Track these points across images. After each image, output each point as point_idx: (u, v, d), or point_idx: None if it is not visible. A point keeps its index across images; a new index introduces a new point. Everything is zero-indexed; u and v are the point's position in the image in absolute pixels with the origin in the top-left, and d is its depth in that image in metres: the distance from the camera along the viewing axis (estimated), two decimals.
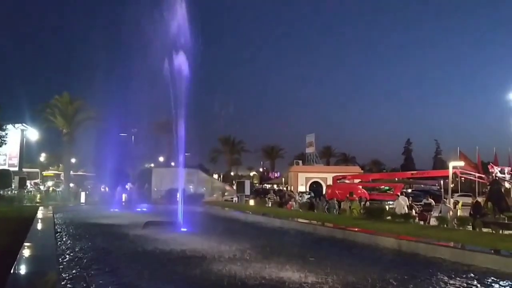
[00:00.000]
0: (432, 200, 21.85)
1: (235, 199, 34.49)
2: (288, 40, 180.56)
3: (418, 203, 22.36)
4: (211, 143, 76.10)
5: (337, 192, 29.27)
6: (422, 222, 18.41)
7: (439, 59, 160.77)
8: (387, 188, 33.53)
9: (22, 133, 44.58)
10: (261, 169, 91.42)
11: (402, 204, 19.58)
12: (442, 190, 35.43)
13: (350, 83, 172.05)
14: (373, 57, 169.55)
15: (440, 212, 17.80)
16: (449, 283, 7.64)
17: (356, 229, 13.44)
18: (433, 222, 18.17)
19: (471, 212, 17.58)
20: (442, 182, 39.13)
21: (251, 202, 30.41)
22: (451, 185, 27.92)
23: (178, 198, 16.83)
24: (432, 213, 19.89)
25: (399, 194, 24.03)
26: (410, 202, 21.33)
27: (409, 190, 39.19)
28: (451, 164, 26.21)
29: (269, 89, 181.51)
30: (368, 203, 23.91)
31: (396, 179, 42.05)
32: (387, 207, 21.10)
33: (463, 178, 31.92)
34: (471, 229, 15.67)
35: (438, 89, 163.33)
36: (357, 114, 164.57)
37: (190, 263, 9.61)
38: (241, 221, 19.13)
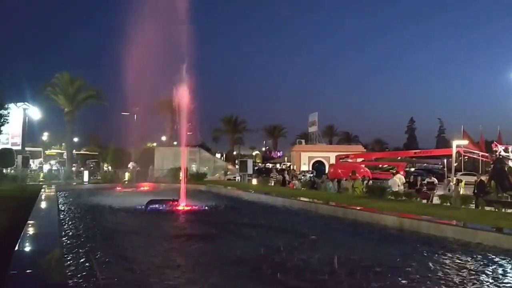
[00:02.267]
0: (435, 179, 21.83)
1: (238, 178, 34.57)
2: (291, 18, 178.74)
3: (423, 182, 22.33)
4: (214, 122, 76.20)
5: (339, 171, 29.28)
6: (425, 201, 18.44)
7: (443, 36, 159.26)
8: (390, 167, 33.54)
9: (24, 112, 44.45)
10: (263, 149, 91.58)
11: (396, 182, 19.62)
12: (445, 169, 35.40)
13: (352, 61, 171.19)
14: (375, 34, 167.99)
15: (449, 190, 17.77)
16: (450, 260, 7.66)
17: (358, 208, 13.45)
18: (436, 201, 18.19)
19: (475, 190, 17.58)
20: (445, 161, 39.08)
21: (254, 181, 30.47)
22: (455, 164, 27.89)
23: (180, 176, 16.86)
24: (435, 191, 19.90)
25: (401, 172, 24.06)
26: (411, 180, 21.40)
27: (412, 169, 39.22)
28: (455, 143, 26.15)
29: (272, 68, 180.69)
30: (370, 182, 23.89)
31: (399, 158, 42.01)
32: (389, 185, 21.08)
33: (466, 157, 31.86)
34: (474, 207, 15.71)
35: (442, 68, 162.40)
36: (360, 92, 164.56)
37: (190, 240, 9.69)
38: (243, 199, 19.19)
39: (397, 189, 18.11)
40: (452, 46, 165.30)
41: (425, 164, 49.88)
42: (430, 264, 7.37)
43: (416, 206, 14.81)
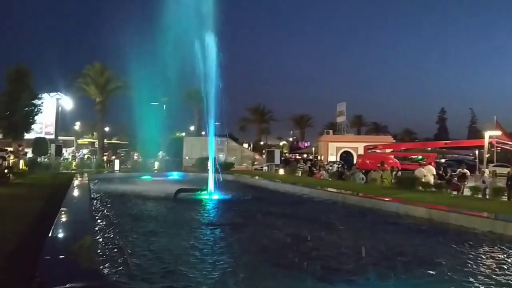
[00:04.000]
0: (467, 170, 21.36)
1: (265, 168, 34.63)
2: (318, 8, 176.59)
3: (454, 173, 21.87)
4: (241, 112, 76.34)
5: (368, 161, 28.94)
6: (455, 192, 18.10)
7: (475, 25, 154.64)
8: (420, 157, 32.95)
9: (57, 102, 45.59)
10: (290, 139, 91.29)
11: (423, 172, 19.30)
12: (477, 160, 34.56)
13: (382, 50, 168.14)
14: (406, 24, 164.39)
15: (483, 182, 17.37)
16: (479, 252, 7.54)
17: (386, 199, 13.33)
18: (466, 192, 17.83)
19: (508, 182, 17.13)
20: (477, 152, 38.13)
21: (281, 171, 30.48)
22: (487, 155, 27.19)
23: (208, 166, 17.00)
24: (466, 183, 19.48)
25: (432, 163, 23.61)
26: (440, 172, 21.01)
27: (443, 160, 38.43)
28: (487, 134, 25.45)
29: (300, 58, 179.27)
30: (400, 173, 23.55)
31: (429, 148, 41.20)
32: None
33: (499, 148, 30.96)
34: (506, 199, 15.35)
35: (474, 56, 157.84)
36: (390, 82, 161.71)
37: (217, 228, 9.81)
38: (270, 189, 19.26)
39: (423, 180, 17.84)
40: (484, 35, 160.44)
41: (456, 155, 48.78)
42: (458, 256, 7.28)
43: (446, 198, 14.58)
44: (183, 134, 56.35)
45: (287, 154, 63.54)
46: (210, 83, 16.44)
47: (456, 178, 20.34)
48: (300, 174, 30.15)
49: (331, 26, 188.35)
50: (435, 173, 20.51)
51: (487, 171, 19.29)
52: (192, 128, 58.10)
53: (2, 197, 13.31)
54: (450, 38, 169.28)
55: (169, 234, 9.00)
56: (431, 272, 6.31)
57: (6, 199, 12.88)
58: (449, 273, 6.24)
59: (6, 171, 19.46)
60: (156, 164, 32.57)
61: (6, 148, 25.02)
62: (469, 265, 6.74)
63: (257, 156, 43.69)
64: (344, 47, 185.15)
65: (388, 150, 35.80)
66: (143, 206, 13.34)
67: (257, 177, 24.08)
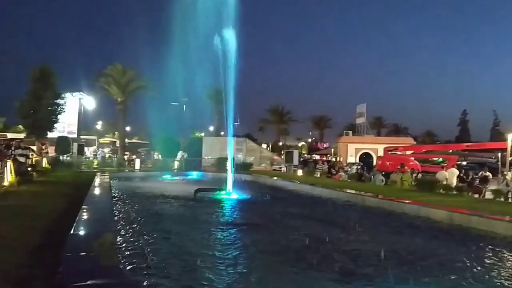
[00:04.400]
0: (489, 173, 20.98)
1: (283, 169, 34.60)
2: (339, 8, 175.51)
3: (476, 176, 21.52)
4: (260, 113, 76.47)
5: (387, 163, 28.65)
6: (476, 196, 17.82)
7: (496, 23, 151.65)
8: (441, 160, 32.48)
9: (80, 102, 46.40)
10: (309, 140, 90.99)
11: (444, 175, 19.05)
12: (500, 163, 33.90)
13: (402, 51, 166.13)
14: (425, 22, 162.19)
15: (507, 185, 17.05)
16: (502, 257, 7.42)
17: (407, 201, 13.19)
18: (489, 195, 17.53)
19: None
20: (499, 154, 37.40)
21: (299, 172, 30.41)
22: (510, 158, 26.68)
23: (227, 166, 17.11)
24: (487, 186, 19.16)
25: (454, 166, 23.29)
26: (461, 174, 20.69)
27: (464, 163, 37.76)
28: (510, 136, 24.99)
29: (319, 59, 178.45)
30: (420, 175, 23.26)
31: (451, 151, 40.57)
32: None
33: None
34: None
35: (497, 56, 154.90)
36: (410, 83, 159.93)
37: (235, 228, 9.85)
38: (288, 190, 19.24)
39: (445, 183, 17.62)
40: (506, 36, 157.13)
41: (477, 158, 47.91)
42: (480, 260, 7.17)
43: (468, 201, 14.36)
44: (203, 134, 56.69)
45: (305, 155, 63.34)
46: (230, 84, 16.55)
47: (478, 181, 20.03)
48: (318, 175, 30.04)
49: (351, 26, 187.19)
50: (457, 175, 20.23)
51: (510, 174, 18.94)
52: (211, 128, 58.41)
53: (26, 194, 13.60)
54: (474, 38, 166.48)
55: (188, 233, 9.09)
56: (452, 276, 6.24)
57: (29, 196, 13.16)
58: (469, 277, 6.16)
59: (29, 169, 19.86)
60: (176, 164, 32.84)
61: (30, 146, 25.51)
62: (490, 269, 6.64)
63: (275, 157, 43.68)
64: (364, 48, 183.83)
65: (408, 152, 35.38)
66: (163, 205, 13.49)
67: (275, 178, 24.08)
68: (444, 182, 17.81)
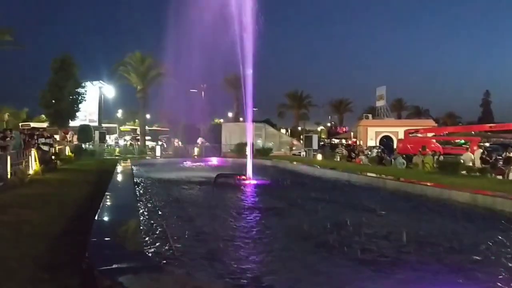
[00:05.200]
0: None
1: (303, 153, 34.55)
2: None
3: (499, 157, 21.13)
4: (279, 98, 76.16)
5: (408, 146, 28.34)
6: (500, 177, 17.51)
7: None
8: (463, 141, 32.00)
9: (100, 90, 46.91)
10: (329, 124, 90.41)
11: (470, 156, 18.75)
12: None
13: (422, 31, 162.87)
14: (447, 3, 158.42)
15: None
16: None
17: (428, 183, 13.05)
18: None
19: None
20: None
21: (319, 157, 30.32)
22: None
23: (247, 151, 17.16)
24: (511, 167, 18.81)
25: (475, 147, 22.92)
26: (484, 156, 20.36)
27: (487, 144, 37.12)
28: None
29: (337, 42, 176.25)
30: (442, 157, 22.96)
31: (473, 132, 39.90)
32: (462, 161, 20.27)
33: None
34: None
35: None
36: (431, 64, 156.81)
37: (257, 212, 9.91)
38: (309, 174, 19.20)
39: (471, 164, 17.37)
40: None
41: (501, 139, 46.97)
42: (504, 242, 7.08)
43: (491, 182, 14.15)
44: (222, 120, 56.81)
45: (325, 139, 63.05)
46: (248, 69, 16.49)
47: (501, 162, 19.67)
48: (338, 159, 29.90)
49: (369, 9, 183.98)
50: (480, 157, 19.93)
51: None
52: (230, 114, 58.52)
53: (51, 182, 13.91)
54: (494, 18, 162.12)
55: (210, 217, 9.17)
56: (476, 257, 6.19)
57: (54, 184, 13.47)
58: (493, 258, 6.11)
59: (53, 157, 20.26)
60: (196, 150, 33.06)
61: (53, 134, 25.98)
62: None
63: (295, 142, 43.58)
64: (383, 29, 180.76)
65: (430, 134, 34.91)
66: (184, 190, 13.63)
67: (295, 163, 24.05)
68: (470, 164, 17.54)
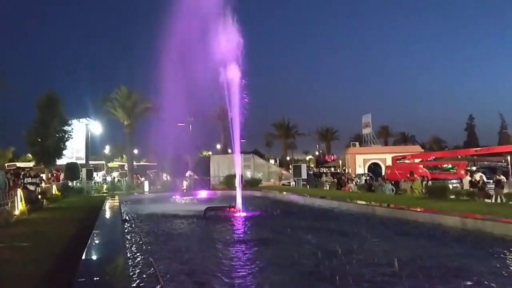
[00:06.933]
0: (503, 177, 20.79)
1: (292, 183, 34.53)
2: (339, 19, 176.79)
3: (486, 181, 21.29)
4: (266, 127, 76.44)
5: (397, 172, 28.52)
6: (488, 200, 17.62)
7: (502, 29, 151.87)
8: (450, 166, 32.27)
9: (87, 127, 46.70)
10: (317, 152, 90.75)
11: (468, 180, 18.90)
12: (510, 166, 33.56)
13: (405, 59, 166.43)
14: (429, 30, 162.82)
15: None
16: None
17: (418, 209, 13.07)
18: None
19: None
20: (508, 158, 37.06)
21: (309, 186, 30.29)
22: None
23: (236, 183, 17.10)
24: (503, 189, 18.96)
25: (463, 172, 23.12)
26: (475, 180, 20.52)
27: (474, 168, 37.49)
28: None
29: (322, 71, 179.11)
30: (430, 182, 23.10)
31: (459, 156, 40.35)
32: (450, 185, 20.39)
33: None
34: None
35: (501, 60, 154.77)
36: (415, 91, 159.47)
37: (247, 244, 9.80)
38: (298, 204, 19.15)
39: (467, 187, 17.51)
40: (509, 37, 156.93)
41: (486, 162, 47.50)
42: (495, 265, 7.07)
43: (479, 206, 14.22)
44: (210, 153, 56.73)
45: (314, 169, 63.17)
46: (234, 102, 16.62)
47: (493, 185, 19.80)
48: (328, 188, 29.92)
49: (354, 38, 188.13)
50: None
51: None
52: (218, 146, 58.46)
53: (37, 221, 13.66)
54: (475, 42, 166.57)
55: (200, 251, 9.04)
56: (468, 282, 6.15)
57: (41, 223, 13.23)
58: (486, 282, 6.08)
59: (40, 196, 19.96)
60: (185, 184, 32.85)
61: (39, 173, 25.66)
62: (506, 273, 6.55)
63: (284, 171, 43.55)
64: (367, 57, 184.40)
65: (417, 160, 35.19)
66: (174, 225, 13.45)
67: (285, 192, 23.99)
68: (468, 187, 17.68)
